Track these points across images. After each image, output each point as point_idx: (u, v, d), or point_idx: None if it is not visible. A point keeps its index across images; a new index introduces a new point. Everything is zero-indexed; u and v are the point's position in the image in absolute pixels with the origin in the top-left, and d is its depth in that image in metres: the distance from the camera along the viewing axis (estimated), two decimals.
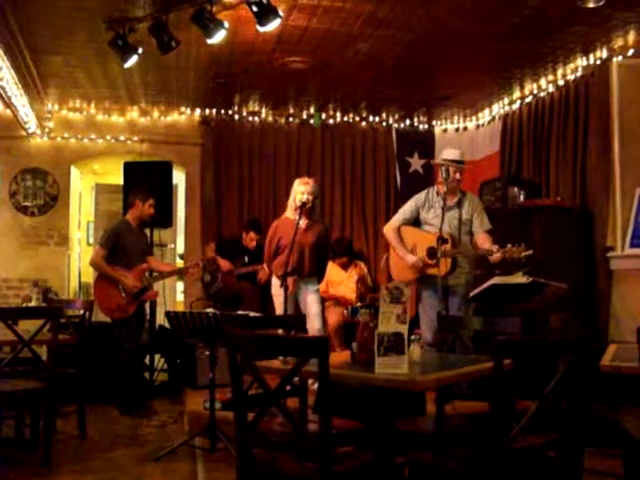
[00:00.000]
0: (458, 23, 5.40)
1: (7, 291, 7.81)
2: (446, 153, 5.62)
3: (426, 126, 8.71)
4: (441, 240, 5.08)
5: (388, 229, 5.72)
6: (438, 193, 5.50)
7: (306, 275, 5.54)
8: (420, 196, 5.62)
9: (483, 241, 5.35)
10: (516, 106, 7.56)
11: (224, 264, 6.90)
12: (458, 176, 5.44)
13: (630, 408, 3.32)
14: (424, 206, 5.54)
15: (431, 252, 5.30)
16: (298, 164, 8.35)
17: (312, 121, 8.35)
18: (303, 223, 5.45)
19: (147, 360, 6.57)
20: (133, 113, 8.10)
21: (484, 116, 8.34)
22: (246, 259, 7.04)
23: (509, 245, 4.99)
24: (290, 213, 5.62)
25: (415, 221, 5.60)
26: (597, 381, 3.06)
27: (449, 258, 5.21)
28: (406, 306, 2.65)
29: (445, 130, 8.75)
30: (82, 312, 5.28)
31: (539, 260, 5.40)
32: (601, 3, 4.86)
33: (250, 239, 7.15)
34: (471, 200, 5.53)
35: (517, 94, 7.43)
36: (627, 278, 5.91)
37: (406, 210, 5.66)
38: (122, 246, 5.71)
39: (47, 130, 7.94)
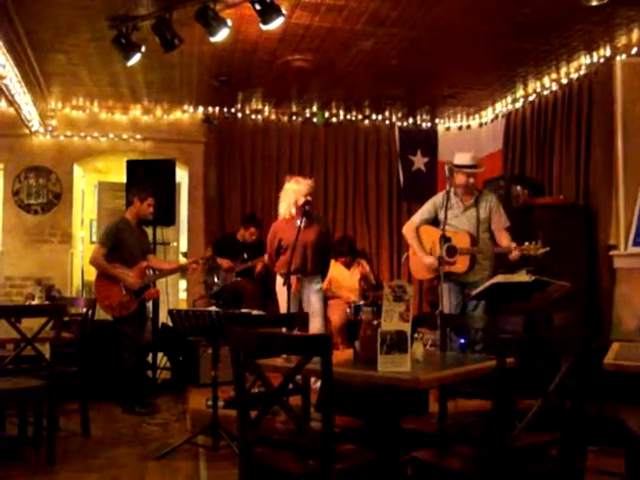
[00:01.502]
0: (461, 21, 5.39)
1: (10, 289, 7.82)
2: (457, 158, 5.65)
3: (429, 124, 8.69)
4: (444, 239, 5.14)
5: (407, 229, 5.88)
6: (456, 194, 5.60)
7: (309, 273, 5.53)
8: (438, 197, 5.75)
9: (501, 239, 5.48)
10: (519, 104, 7.55)
11: (224, 262, 6.90)
12: (472, 180, 5.55)
13: (633, 407, 3.32)
14: (442, 207, 5.58)
15: (450, 250, 5.36)
16: (301, 162, 8.35)
17: (315, 119, 8.35)
18: (302, 222, 5.45)
19: (150, 358, 6.58)
20: (136, 111, 8.11)
21: (487, 114, 8.33)
22: (245, 256, 7.05)
23: (526, 243, 5.10)
24: (287, 213, 5.59)
25: (434, 222, 5.71)
26: (600, 380, 3.06)
27: (467, 256, 5.36)
28: (409, 304, 2.65)
29: (448, 128, 8.74)
30: (85, 310, 5.29)
31: (542, 258, 5.39)
32: (604, 1, 4.85)
33: (250, 234, 7.18)
34: (488, 198, 5.64)
35: (520, 92, 7.42)
36: (630, 277, 5.90)
37: (424, 211, 5.80)
38: (122, 244, 5.71)
39: (50, 128, 7.94)
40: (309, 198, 5.46)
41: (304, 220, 5.41)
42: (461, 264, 5.39)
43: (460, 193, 5.60)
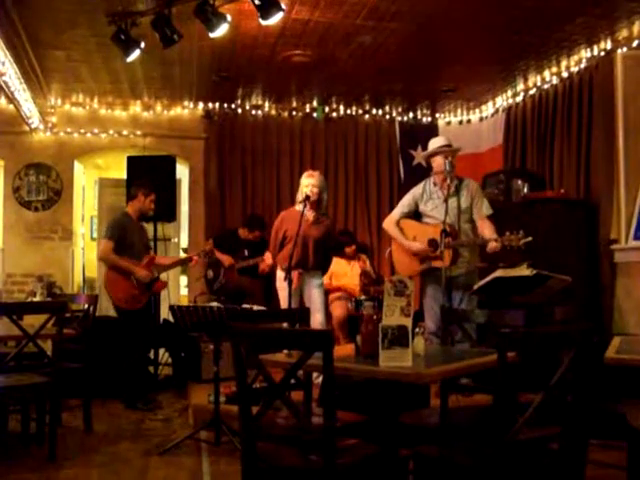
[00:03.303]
0: (462, 15, 5.38)
1: (12, 286, 7.82)
2: (430, 144, 5.54)
3: (429, 119, 8.68)
4: (445, 233, 5.05)
5: (388, 223, 5.69)
6: (435, 184, 5.47)
7: (311, 268, 5.53)
8: (417, 189, 5.59)
9: (483, 228, 5.29)
10: (520, 98, 7.54)
11: (225, 259, 6.91)
12: (451, 161, 5.22)
13: (635, 401, 3.32)
14: (422, 198, 5.50)
15: (432, 244, 5.29)
16: (301, 157, 8.34)
17: (315, 114, 8.34)
18: (310, 216, 5.46)
19: (152, 354, 6.59)
20: (136, 107, 8.10)
21: (488, 109, 8.32)
22: (246, 252, 7.04)
23: (507, 233, 4.92)
24: (298, 205, 5.60)
25: (415, 214, 5.58)
26: (601, 374, 3.07)
27: (450, 249, 5.15)
28: (410, 299, 2.65)
29: (449, 123, 8.73)
30: (86, 306, 5.30)
31: (543, 252, 5.38)
32: None
33: (254, 236, 7.18)
34: (469, 186, 5.43)
35: (521, 86, 7.40)
36: (631, 270, 5.90)
37: (404, 204, 5.64)
38: (127, 238, 5.72)
39: (50, 125, 7.94)
40: (314, 190, 5.41)
41: (311, 214, 5.42)
42: (445, 257, 5.12)
43: (439, 181, 5.41)
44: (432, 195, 5.45)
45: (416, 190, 5.59)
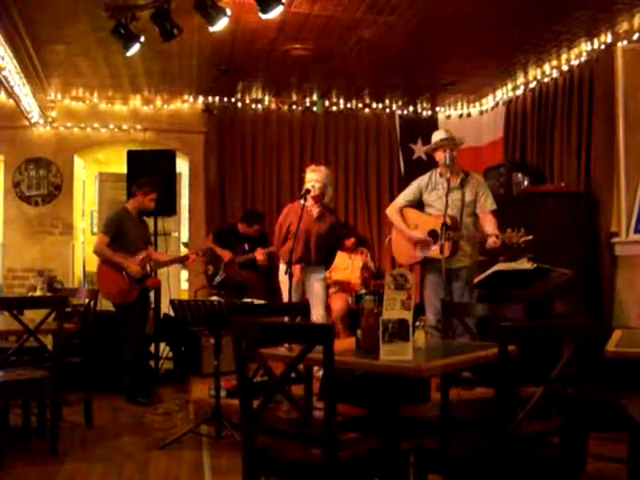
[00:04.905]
0: (461, 8, 5.37)
1: (12, 281, 7.82)
2: (432, 138, 5.57)
3: (430, 112, 8.66)
4: (445, 226, 5.05)
5: (391, 210, 5.76)
6: (441, 175, 5.49)
7: (313, 263, 5.53)
8: (423, 178, 5.64)
9: (485, 222, 5.32)
10: (520, 92, 7.51)
11: (225, 254, 6.90)
12: (452, 153, 5.33)
13: (635, 393, 3.33)
14: (427, 188, 5.55)
15: (432, 235, 5.30)
16: (301, 151, 8.33)
17: (315, 108, 8.32)
18: (315, 212, 5.46)
19: (152, 348, 6.60)
20: (136, 102, 8.09)
21: (488, 102, 8.30)
22: (246, 247, 7.04)
23: (508, 230, 4.95)
24: (303, 200, 5.59)
25: (418, 203, 5.61)
26: (602, 367, 3.07)
27: (450, 241, 5.16)
28: (410, 292, 2.66)
29: (449, 116, 8.71)
30: (87, 301, 5.30)
31: (543, 246, 5.38)
32: None
33: (254, 231, 7.17)
34: (475, 180, 5.48)
35: (521, 80, 7.39)
36: (631, 264, 5.90)
37: (409, 192, 5.69)
38: (124, 233, 5.74)
39: (50, 119, 7.93)
40: (315, 185, 5.40)
41: (315, 209, 5.45)
42: (444, 249, 5.13)
43: (444, 173, 5.43)
44: (437, 186, 5.51)
45: (422, 179, 5.65)
